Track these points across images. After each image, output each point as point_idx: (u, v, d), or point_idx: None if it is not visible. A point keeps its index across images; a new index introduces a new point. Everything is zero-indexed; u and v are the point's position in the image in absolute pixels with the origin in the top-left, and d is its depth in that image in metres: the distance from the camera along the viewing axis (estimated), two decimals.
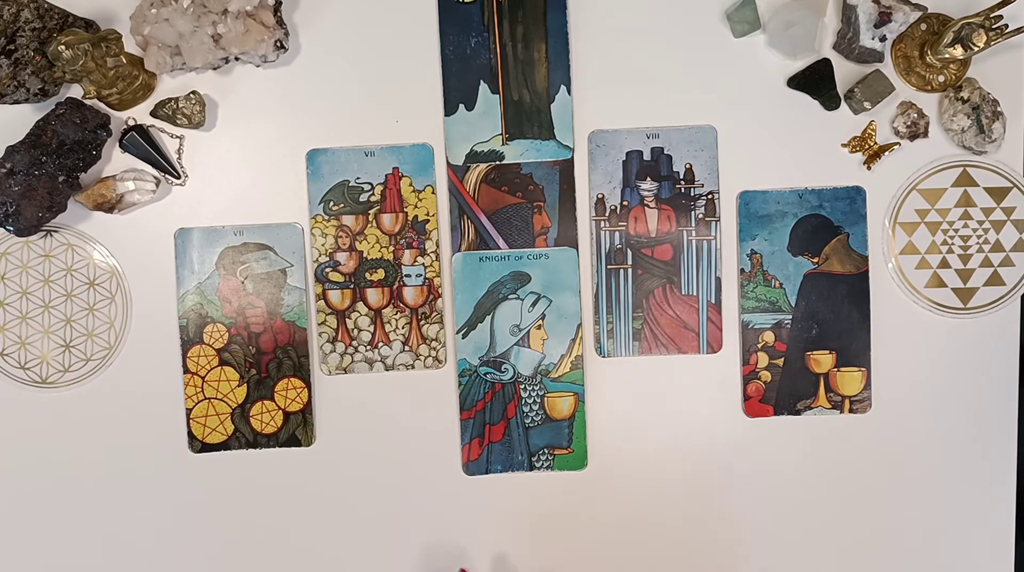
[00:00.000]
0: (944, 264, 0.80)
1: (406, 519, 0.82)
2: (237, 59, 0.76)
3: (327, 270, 0.80)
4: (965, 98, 0.78)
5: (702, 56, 0.80)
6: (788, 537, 0.82)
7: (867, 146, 0.80)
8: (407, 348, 0.80)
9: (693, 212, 0.80)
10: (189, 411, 0.80)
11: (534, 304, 0.80)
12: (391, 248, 0.80)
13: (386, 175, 0.80)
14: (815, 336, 0.80)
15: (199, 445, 0.80)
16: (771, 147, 0.80)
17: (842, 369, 0.81)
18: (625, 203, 0.80)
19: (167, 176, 0.79)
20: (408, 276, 0.80)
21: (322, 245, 0.80)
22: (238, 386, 0.80)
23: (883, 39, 0.77)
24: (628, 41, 0.80)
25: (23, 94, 0.74)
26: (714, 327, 0.81)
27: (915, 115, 0.79)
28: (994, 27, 0.75)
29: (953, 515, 0.82)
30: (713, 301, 0.80)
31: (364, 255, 0.80)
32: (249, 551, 0.81)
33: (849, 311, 0.80)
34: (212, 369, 0.80)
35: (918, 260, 0.80)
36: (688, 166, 0.80)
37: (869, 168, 0.80)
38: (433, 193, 0.80)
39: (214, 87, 0.79)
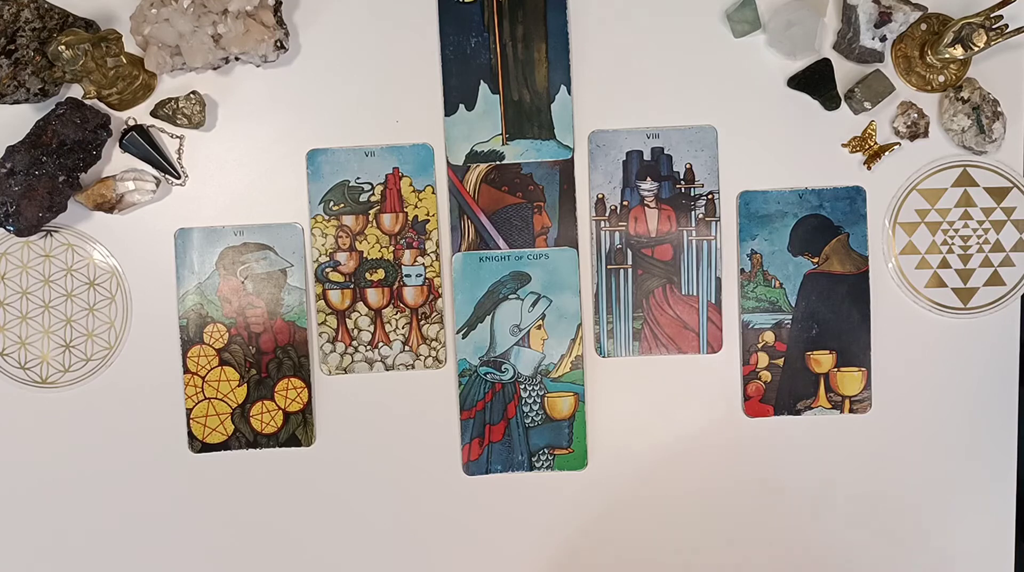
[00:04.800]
0: (944, 264, 0.80)
1: (406, 519, 0.82)
2: (237, 59, 0.76)
3: (327, 270, 0.80)
4: (965, 98, 0.78)
5: (702, 56, 0.80)
6: (788, 537, 0.82)
7: (867, 146, 0.80)
8: (407, 348, 0.80)
9: (693, 212, 0.80)
10: (189, 411, 0.80)
11: (534, 304, 0.80)
12: (391, 248, 0.80)
13: (386, 175, 0.80)
14: (815, 336, 0.80)
15: (199, 445, 0.80)
16: (771, 147, 0.80)
17: (842, 369, 0.81)
18: (625, 203, 0.80)
19: (167, 176, 0.79)
20: (408, 276, 0.80)
21: (322, 245, 0.80)
22: (238, 386, 0.80)
23: (883, 39, 0.77)
24: (628, 41, 0.80)
25: (23, 94, 0.74)
26: (714, 327, 0.81)
27: (915, 115, 0.79)
28: (994, 27, 0.75)
29: (953, 515, 0.82)
30: (713, 301, 0.80)
31: (364, 255, 0.80)
32: (249, 551, 0.81)
33: (849, 311, 0.80)
34: (212, 369, 0.80)
35: (918, 260, 0.81)
36: (688, 166, 0.80)
37: (869, 168, 0.80)
38: (433, 193, 0.80)
39: (214, 87, 0.79)
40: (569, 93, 0.79)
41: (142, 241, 0.80)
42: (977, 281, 0.81)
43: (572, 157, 0.80)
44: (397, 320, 0.80)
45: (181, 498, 0.81)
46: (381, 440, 0.81)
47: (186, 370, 0.80)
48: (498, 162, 0.80)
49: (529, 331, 0.80)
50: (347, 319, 0.80)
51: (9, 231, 0.75)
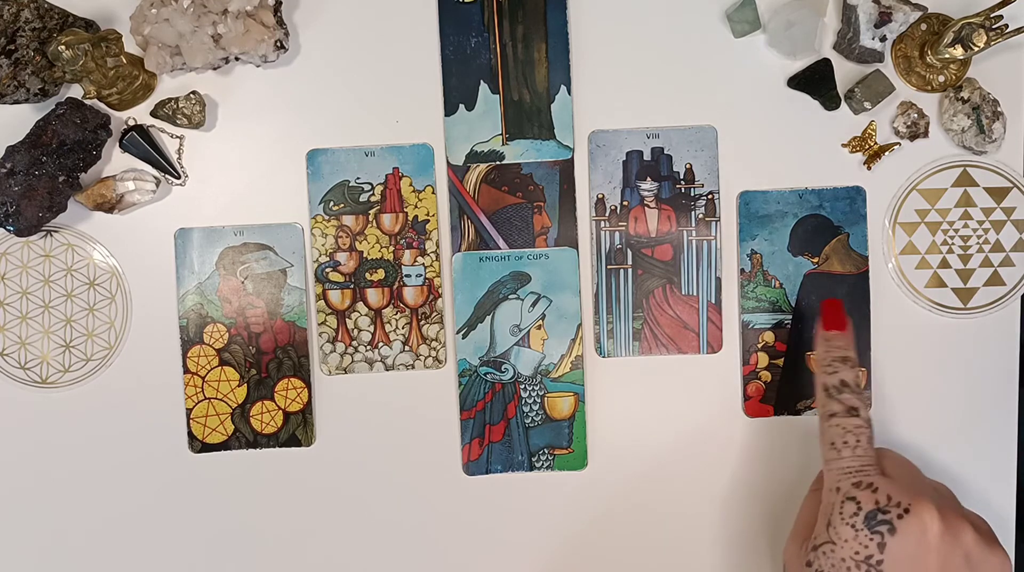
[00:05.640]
0: (944, 264, 0.81)
1: (406, 519, 0.82)
2: (237, 59, 0.76)
3: (327, 270, 0.80)
4: (965, 98, 0.78)
5: (702, 56, 0.80)
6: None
7: (867, 146, 0.80)
8: (407, 348, 0.80)
9: (693, 212, 0.80)
10: (189, 411, 0.80)
11: (534, 304, 0.80)
12: (391, 248, 0.80)
13: (386, 175, 0.80)
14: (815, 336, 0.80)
15: (199, 445, 0.80)
16: (771, 147, 0.80)
17: None
18: (625, 203, 0.80)
19: (167, 176, 0.79)
20: (408, 276, 0.80)
21: (322, 245, 0.80)
22: (238, 386, 0.80)
23: (883, 39, 0.77)
24: (628, 41, 0.80)
25: (23, 94, 0.74)
26: (714, 327, 0.81)
27: (915, 115, 0.79)
28: (994, 27, 0.75)
29: None
30: (713, 301, 0.81)
31: (364, 255, 0.80)
32: (249, 551, 0.81)
33: (849, 311, 0.80)
34: (212, 369, 0.80)
35: (918, 260, 0.81)
36: (688, 166, 0.80)
37: (869, 168, 0.80)
38: (433, 193, 0.80)
39: (214, 87, 0.79)
40: (569, 93, 0.79)
41: (142, 241, 0.80)
42: (977, 281, 0.81)
43: (572, 157, 0.80)
44: (397, 320, 0.80)
45: (181, 498, 0.81)
46: (381, 440, 0.81)
47: (186, 370, 0.80)
48: (498, 162, 0.80)
49: (529, 331, 0.80)
50: (347, 319, 0.80)
51: (9, 231, 0.75)
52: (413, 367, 0.81)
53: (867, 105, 0.78)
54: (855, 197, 0.80)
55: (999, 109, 0.78)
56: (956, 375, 0.81)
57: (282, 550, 0.82)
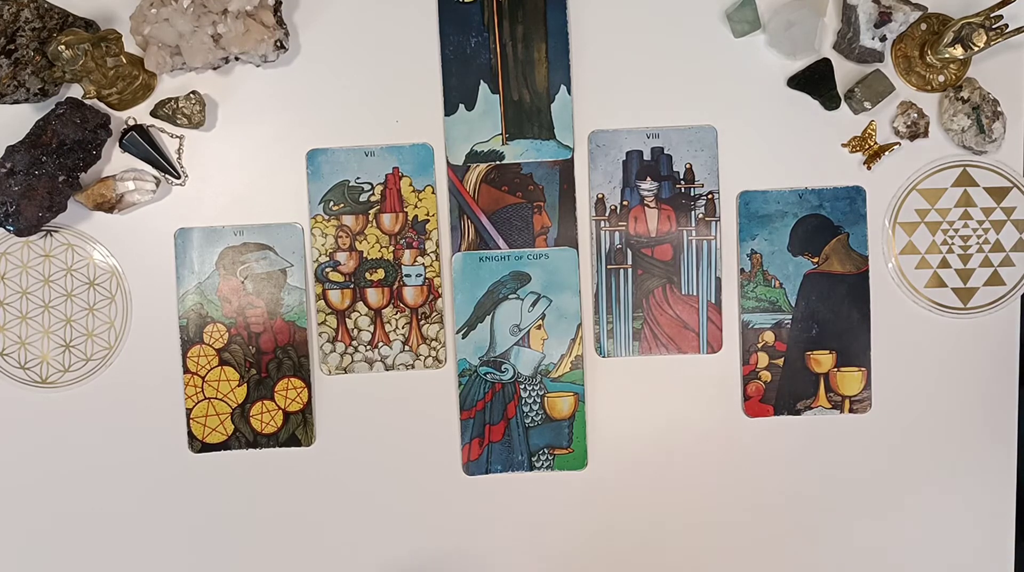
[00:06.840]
0: (944, 264, 0.81)
1: (406, 519, 0.82)
2: (237, 59, 0.76)
3: (327, 270, 0.80)
4: (965, 98, 0.78)
5: (702, 56, 0.80)
6: (788, 537, 0.82)
7: (867, 146, 0.80)
8: (407, 348, 0.80)
9: (693, 212, 0.80)
10: (189, 411, 0.80)
11: (534, 304, 0.80)
12: (391, 248, 0.80)
13: (386, 175, 0.80)
14: (815, 336, 0.80)
15: (199, 445, 0.80)
16: (771, 147, 0.80)
17: (842, 369, 0.81)
18: (625, 203, 0.80)
19: (167, 176, 0.79)
20: (408, 276, 0.80)
21: (322, 245, 0.80)
22: (238, 386, 0.80)
23: (883, 39, 0.77)
24: (628, 41, 0.80)
25: (23, 94, 0.74)
26: (714, 327, 0.81)
27: (915, 115, 0.79)
28: (994, 27, 0.75)
29: (953, 515, 0.82)
30: (713, 301, 0.80)
31: (364, 255, 0.80)
32: (249, 551, 0.81)
33: (849, 311, 0.80)
34: (212, 369, 0.80)
35: (918, 260, 0.81)
36: (688, 166, 0.80)
37: (869, 168, 0.80)
38: (433, 193, 0.80)
39: (214, 87, 0.79)
40: (569, 93, 0.79)
41: (142, 241, 0.80)
42: (977, 281, 0.81)
43: (572, 157, 0.80)
44: (397, 320, 0.80)
45: (181, 498, 0.81)
46: (381, 440, 0.81)
47: (186, 370, 0.80)
48: (498, 162, 0.80)
49: (529, 331, 0.80)
50: (347, 319, 0.80)
51: (9, 231, 0.75)
52: (413, 367, 0.81)
53: (867, 105, 0.78)
54: (855, 197, 0.80)
55: (999, 109, 0.78)
56: (956, 375, 0.81)
57: (282, 549, 0.82)
